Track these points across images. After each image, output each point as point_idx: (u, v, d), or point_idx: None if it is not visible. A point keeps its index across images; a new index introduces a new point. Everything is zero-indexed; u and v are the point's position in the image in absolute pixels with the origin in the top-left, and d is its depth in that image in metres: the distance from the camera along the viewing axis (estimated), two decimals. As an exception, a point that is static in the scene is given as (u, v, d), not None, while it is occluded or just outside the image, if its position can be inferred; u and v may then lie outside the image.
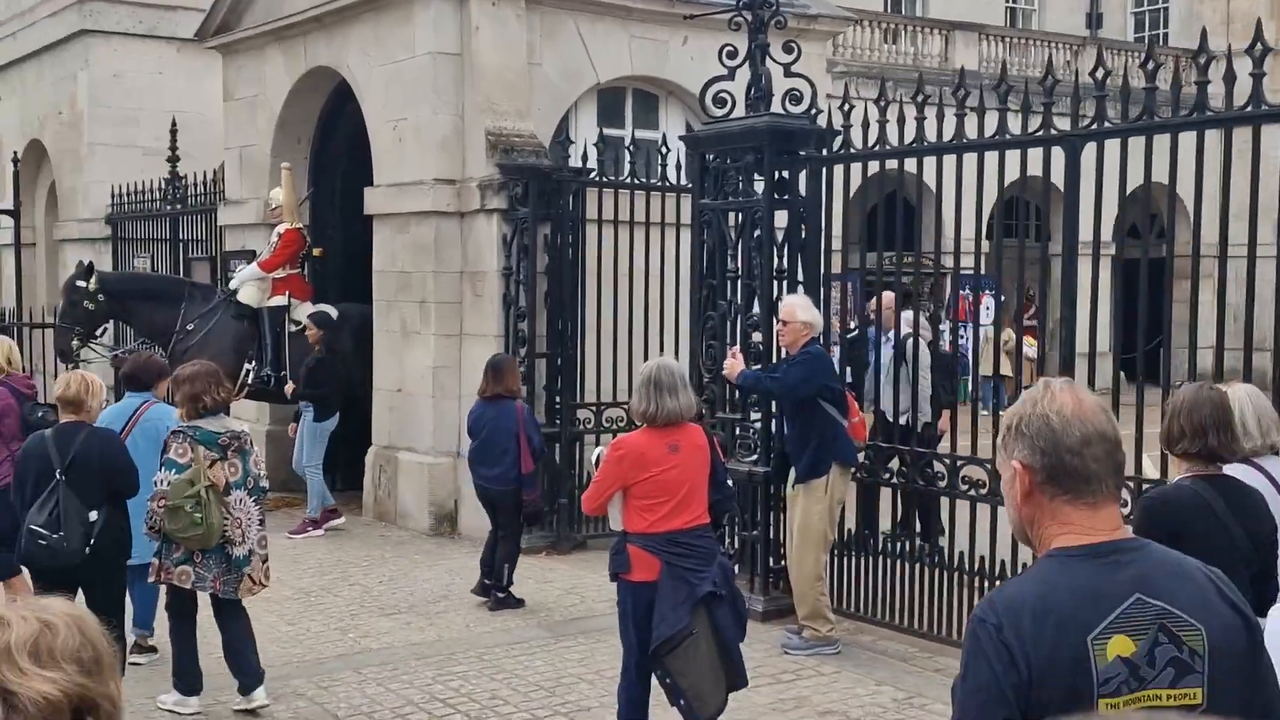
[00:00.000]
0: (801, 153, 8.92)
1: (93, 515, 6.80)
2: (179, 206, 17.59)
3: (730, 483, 6.93)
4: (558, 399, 11.29)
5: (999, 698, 2.33)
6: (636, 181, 11.30)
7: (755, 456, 8.91)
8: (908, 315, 9.86)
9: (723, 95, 9.22)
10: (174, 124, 18.02)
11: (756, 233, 8.92)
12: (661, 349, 11.56)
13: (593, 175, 11.22)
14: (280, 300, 13.09)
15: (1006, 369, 18.84)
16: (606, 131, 12.44)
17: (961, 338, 20.76)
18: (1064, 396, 2.48)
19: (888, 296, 9.97)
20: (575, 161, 11.36)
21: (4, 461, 8.29)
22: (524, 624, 8.95)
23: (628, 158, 11.32)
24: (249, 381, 12.85)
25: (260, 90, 14.27)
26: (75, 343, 12.68)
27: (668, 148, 11.25)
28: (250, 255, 14.38)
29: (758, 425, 8.99)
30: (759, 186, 8.99)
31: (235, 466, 7.18)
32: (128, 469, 7.05)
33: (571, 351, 11.23)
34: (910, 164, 9.33)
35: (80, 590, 6.84)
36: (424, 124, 11.82)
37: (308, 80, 13.68)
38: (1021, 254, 10.22)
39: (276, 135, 14.10)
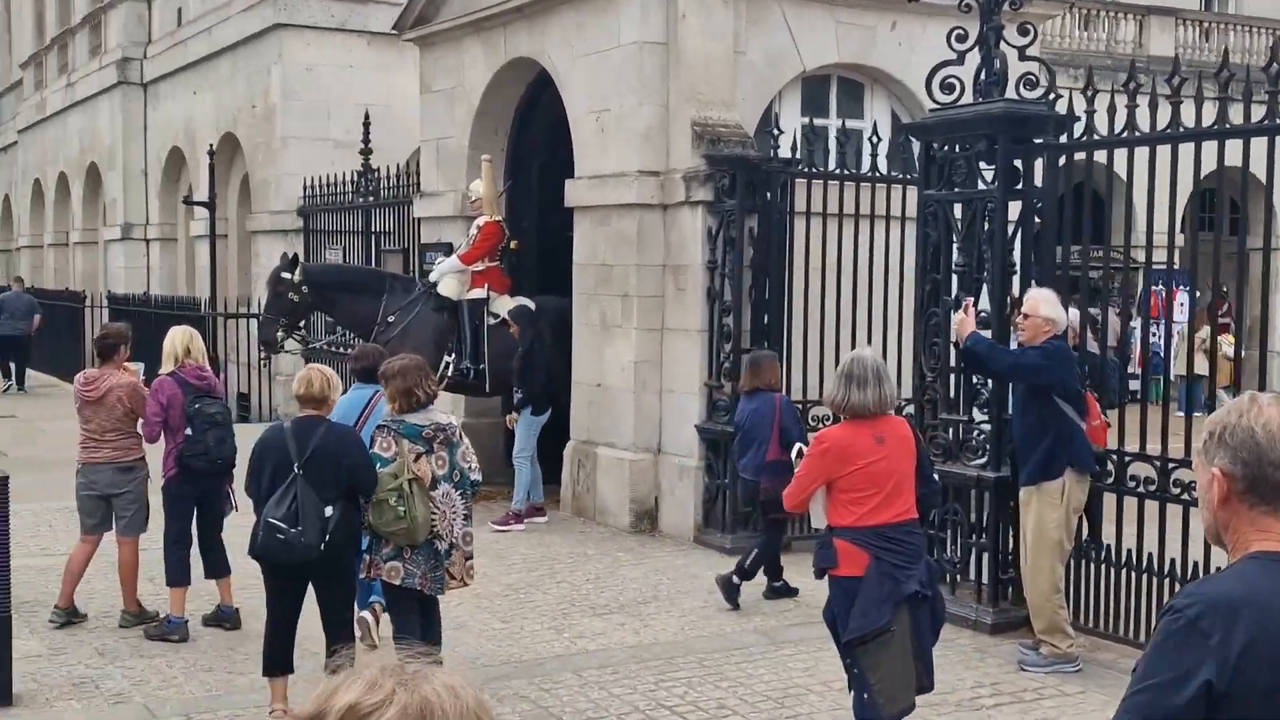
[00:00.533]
0: (1038, 140, 8.47)
1: (329, 510, 6.71)
2: (371, 199, 17.74)
3: (936, 477, 6.67)
4: (764, 395, 10.99)
5: (1186, 684, 2.27)
6: (846, 172, 10.95)
7: (984, 459, 8.50)
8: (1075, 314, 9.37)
9: (950, 81, 8.82)
10: (367, 116, 18.19)
11: (987, 225, 8.50)
12: (870, 344, 11.22)
13: (801, 166, 10.88)
14: (479, 293, 13.04)
15: (1202, 368, 17.99)
16: (820, 121, 12.12)
17: (1154, 336, 20.02)
18: (1271, 411, 2.46)
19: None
20: (783, 152, 11.08)
21: (169, 454, 8.34)
22: (741, 629, 8.69)
23: (835, 148, 10.96)
24: (448, 374, 12.82)
25: (458, 82, 14.25)
26: (280, 334, 12.80)
27: (878, 137, 10.88)
28: (447, 248, 14.39)
29: (986, 427, 8.58)
30: (989, 176, 8.57)
31: (442, 459, 7.08)
32: (365, 465, 6.91)
33: (777, 347, 10.92)
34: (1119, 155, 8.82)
35: (311, 585, 6.81)
36: (628, 114, 11.63)
37: (507, 71, 13.60)
38: (1217, 248, 9.65)
39: (475, 127, 14.07)
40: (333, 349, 14.76)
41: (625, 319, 11.71)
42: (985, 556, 8.52)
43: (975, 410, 8.67)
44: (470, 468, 7.30)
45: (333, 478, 6.73)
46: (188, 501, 8.50)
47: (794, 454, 6.80)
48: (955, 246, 8.73)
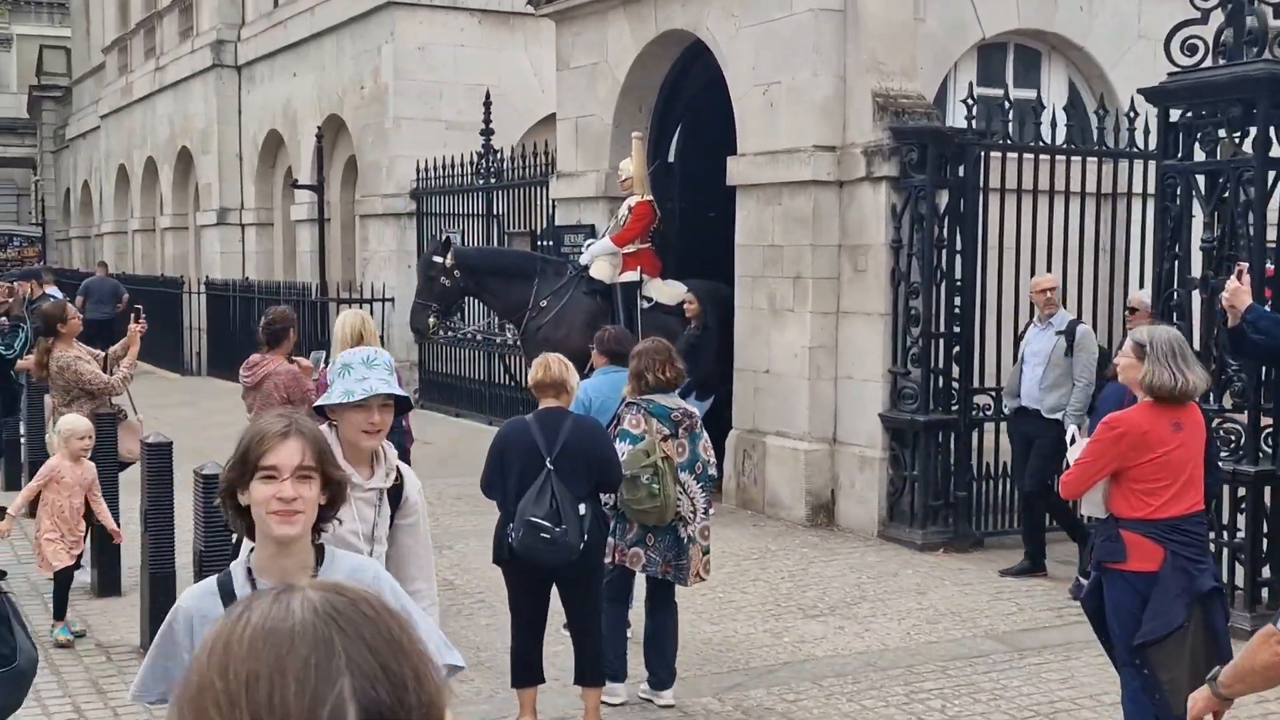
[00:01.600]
0: (1303, 105, 7.80)
1: (583, 508, 6.23)
2: (493, 180, 17.25)
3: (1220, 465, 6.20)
4: (955, 382, 10.39)
5: None
6: (1043, 144, 10.31)
7: (1242, 453, 7.86)
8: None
9: (1193, 42, 8.17)
10: (488, 96, 17.71)
11: (1243, 196, 7.85)
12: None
13: (996, 139, 10.24)
14: (632, 275, 12.49)
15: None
16: (982, 92, 11.48)
17: None
18: None
19: (1043, 279, 9.35)
20: (959, 123, 10.48)
21: None
22: (970, 634, 8.10)
23: (1033, 119, 10.31)
24: (602, 360, 12.30)
25: (601, 57, 13.70)
26: (432, 320, 12.30)
27: (1073, 107, 10.26)
28: (588, 230, 13.87)
29: (1238, 418, 7.94)
30: (1245, 146, 7.93)
31: (684, 447, 6.78)
32: (615, 461, 6.43)
33: (970, 331, 10.30)
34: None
35: (557, 587, 6.31)
36: (801, 86, 11.03)
37: (655, 45, 13.04)
38: None
39: (619, 104, 13.52)
40: (483, 337, 14.25)
41: (798, 302, 11.12)
42: (1241, 556, 7.89)
43: (1226, 398, 8.03)
44: (710, 461, 6.99)
45: (585, 473, 6.26)
46: None
47: (1068, 438, 6.26)
48: (1202, 221, 8.08)
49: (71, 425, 8.08)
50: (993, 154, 10.26)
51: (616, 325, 8.34)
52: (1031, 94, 11.78)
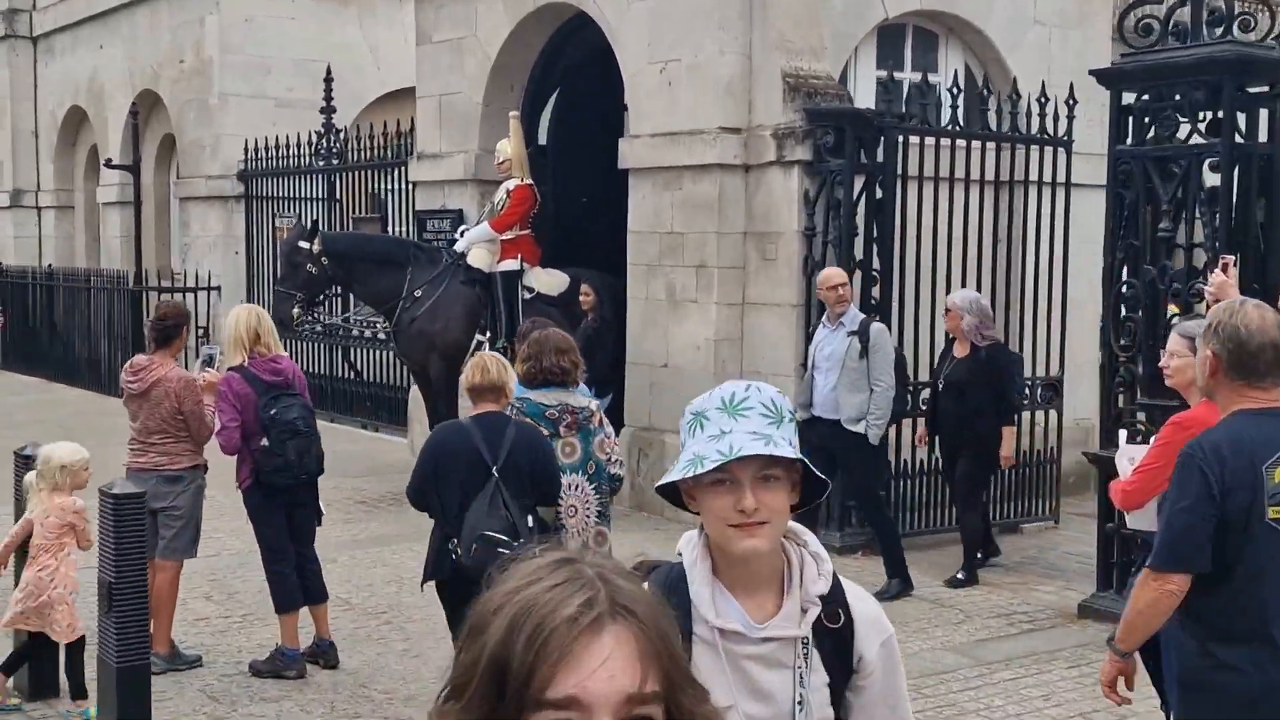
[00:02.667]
0: (1264, 89, 7.53)
1: (529, 521, 5.67)
2: (335, 162, 16.20)
3: None
4: (873, 377, 9.92)
5: (1208, 500, 3.58)
6: (964, 129, 9.92)
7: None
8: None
9: (1148, 22, 7.83)
10: (329, 72, 16.72)
11: (1207, 185, 7.54)
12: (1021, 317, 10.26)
13: (915, 122, 9.79)
14: (512, 264, 11.72)
15: None
16: (882, 74, 11.08)
17: None
18: (1252, 313, 3.71)
19: (833, 273, 8.90)
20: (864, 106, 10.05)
21: (243, 463, 6.97)
22: (929, 647, 7.62)
23: (947, 101, 9.91)
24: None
25: (469, 31, 12.84)
26: (296, 310, 11.27)
27: (989, 90, 9.90)
28: (455, 215, 13.03)
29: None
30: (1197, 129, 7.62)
31: (572, 446, 6.10)
32: (557, 473, 5.88)
33: (887, 324, 9.80)
34: None
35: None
36: (705, 64, 10.41)
37: (531, 20, 12.26)
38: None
39: (491, 81, 12.68)
40: (350, 327, 13.24)
41: (701, 292, 10.51)
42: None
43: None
44: (610, 459, 6.31)
45: (529, 483, 5.70)
46: (275, 510, 7.09)
47: (1122, 439, 5.79)
48: (1162, 211, 7.75)
49: (70, 454, 6.59)
50: (912, 139, 9.80)
51: (539, 319, 7.57)
52: (930, 77, 11.45)
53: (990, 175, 10.08)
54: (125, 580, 5.63)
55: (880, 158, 9.71)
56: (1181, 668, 3.85)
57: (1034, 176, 10.34)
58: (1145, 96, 7.79)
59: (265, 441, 6.90)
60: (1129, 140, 7.90)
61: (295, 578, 7.09)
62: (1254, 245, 7.52)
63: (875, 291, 9.78)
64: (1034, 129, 10.28)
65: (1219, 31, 7.50)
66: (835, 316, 8.72)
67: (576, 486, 6.20)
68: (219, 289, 18.34)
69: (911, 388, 9.78)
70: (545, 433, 6.09)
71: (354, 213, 15.78)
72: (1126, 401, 7.98)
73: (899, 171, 9.72)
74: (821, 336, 8.91)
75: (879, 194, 9.73)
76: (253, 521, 7.17)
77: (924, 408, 9.40)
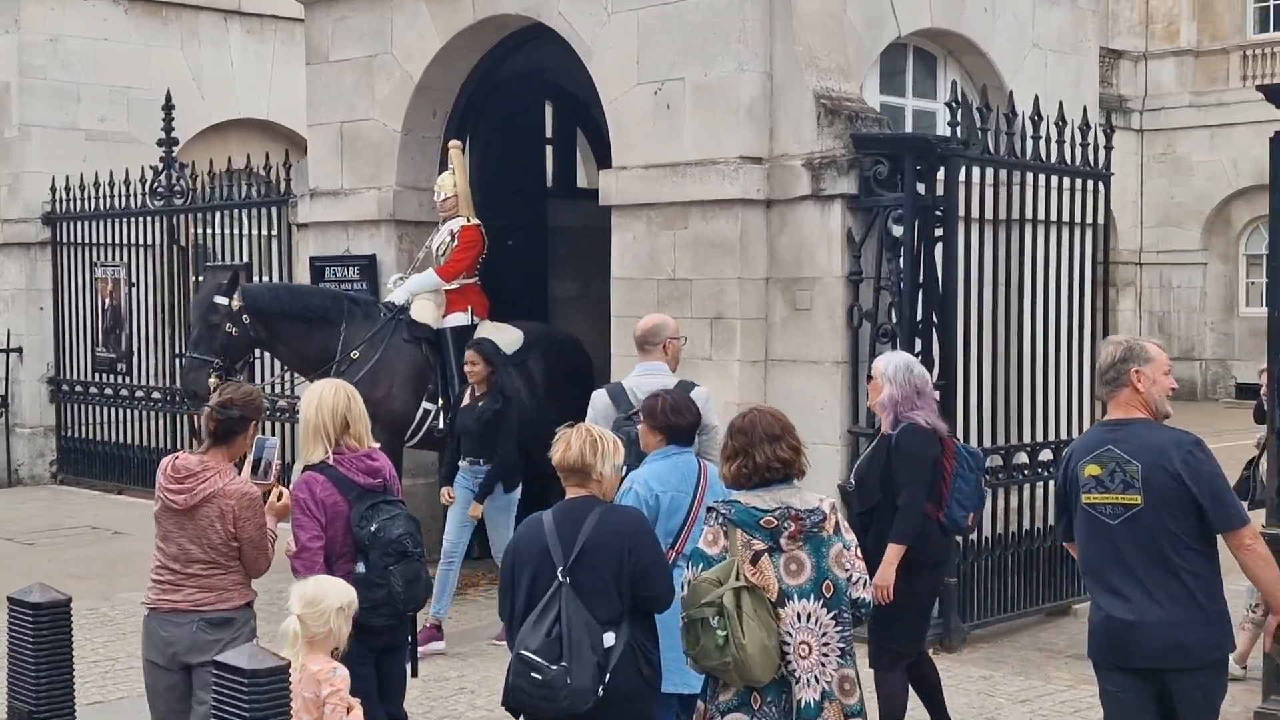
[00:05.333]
0: None
1: (609, 637, 4.52)
2: (177, 201, 14.03)
3: None
4: (935, 443, 8.63)
5: (1063, 493, 4.94)
6: (1024, 160, 8.79)
7: None
8: None
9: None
10: (169, 98, 14.56)
11: None
12: (1059, 376, 9.16)
13: (976, 151, 8.58)
14: (462, 318, 9.99)
15: None
16: (885, 100, 9.93)
17: None
18: (1108, 348, 4.88)
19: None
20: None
21: None
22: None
23: (1015, 129, 8.74)
24: (436, 425, 9.71)
25: (382, 48, 11.04)
26: (214, 380, 9.20)
27: (1064, 120, 8.88)
28: (367, 261, 11.18)
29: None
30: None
31: (798, 563, 4.71)
32: (657, 564, 4.67)
33: (953, 382, 8.56)
34: None
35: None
36: (718, 83, 8.98)
37: (468, 35, 10.58)
38: None
39: (413, 106, 10.92)
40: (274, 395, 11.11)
41: (721, 349, 9.03)
42: None
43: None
44: (852, 579, 4.86)
45: (613, 586, 4.61)
46: (364, 658, 5.27)
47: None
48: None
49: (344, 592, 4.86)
50: (974, 170, 8.60)
51: (674, 390, 5.98)
52: (930, 103, 10.37)
53: (1050, 212, 8.95)
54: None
55: (940, 191, 8.46)
56: None
57: (1077, 213, 9.30)
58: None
59: (361, 567, 5.12)
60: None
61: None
62: None
63: (935, 346, 8.50)
64: (1077, 160, 9.25)
65: None
66: None
67: (809, 616, 4.75)
68: (19, 351, 15.82)
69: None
70: (762, 546, 4.63)
71: (209, 260, 13.61)
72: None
73: (965, 206, 8.49)
74: None
75: (938, 233, 8.48)
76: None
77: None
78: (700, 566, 4.70)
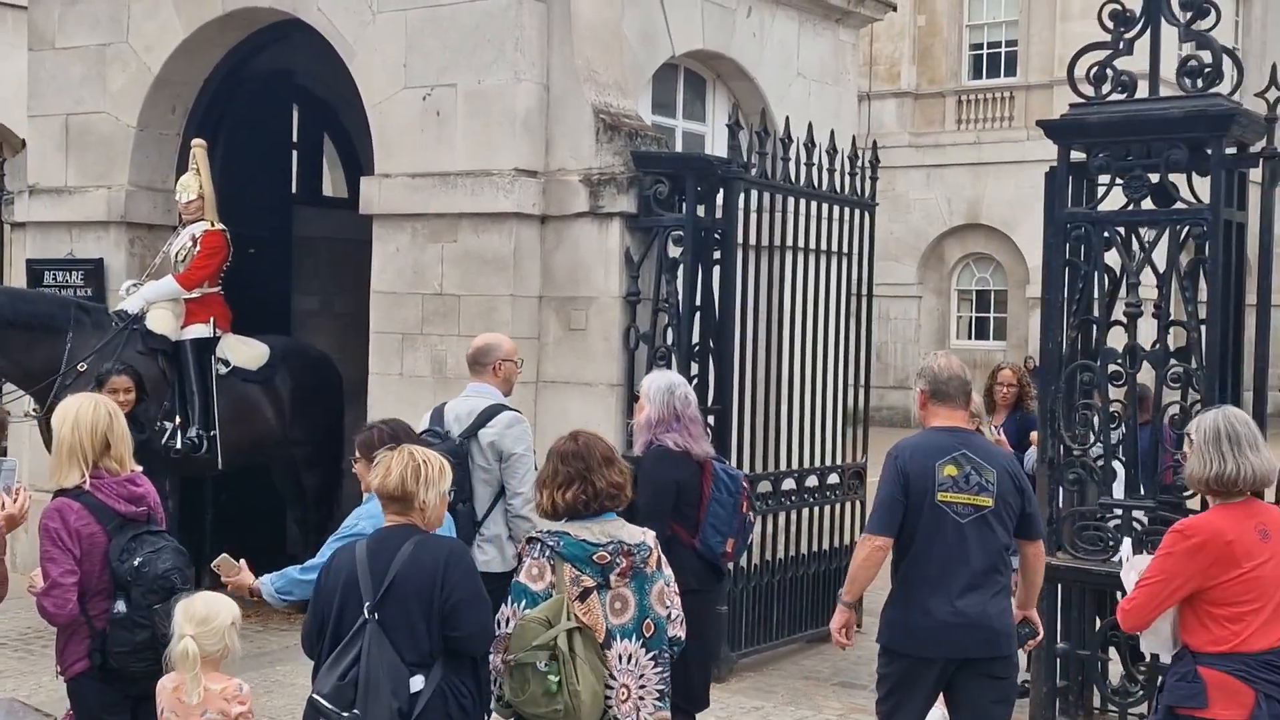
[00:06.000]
0: (1256, 148, 6.83)
1: (416, 681, 4.14)
2: None
3: None
4: (710, 469, 8.43)
5: (900, 489, 4.97)
6: (800, 185, 8.71)
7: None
8: None
9: (1106, 72, 6.96)
10: None
11: (1193, 255, 6.74)
12: (831, 401, 9.10)
13: (754, 174, 8.45)
14: (203, 330, 9.26)
15: None
16: (655, 120, 9.76)
17: None
18: (943, 359, 5.23)
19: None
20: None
21: (76, 637, 4.70)
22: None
23: (782, 153, 8.66)
24: (173, 445, 8.94)
25: (117, 37, 10.20)
26: (-83, 393, 8.24)
27: (835, 148, 8.84)
28: (93, 265, 10.29)
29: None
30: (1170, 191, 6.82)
31: (623, 601, 4.53)
32: (473, 600, 4.25)
33: (727, 407, 8.38)
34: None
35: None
36: (492, 92, 8.59)
37: (214, 28, 9.87)
38: None
39: (149, 100, 10.11)
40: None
41: (487, 369, 8.60)
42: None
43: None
44: (670, 616, 4.70)
45: (424, 626, 4.20)
46: (118, 711, 4.66)
47: (1121, 555, 5.44)
48: (1131, 281, 6.87)
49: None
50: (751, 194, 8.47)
51: (392, 420, 5.45)
52: (699, 126, 10.25)
53: (820, 240, 8.89)
54: None
55: (719, 214, 8.30)
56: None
57: (846, 242, 9.30)
58: (1101, 154, 6.89)
59: (121, 605, 4.50)
60: (1077, 201, 6.99)
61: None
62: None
63: (709, 368, 8.33)
64: (846, 189, 9.25)
65: (1200, 85, 6.73)
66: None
67: (629, 657, 4.50)
68: None
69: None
70: (591, 583, 4.33)
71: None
72: (1077, 502, 7.02)
73: (743, 229, 8.35)
74: None
75: (715, 255, 8.31)
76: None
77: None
78: (524, 603, 4.32)
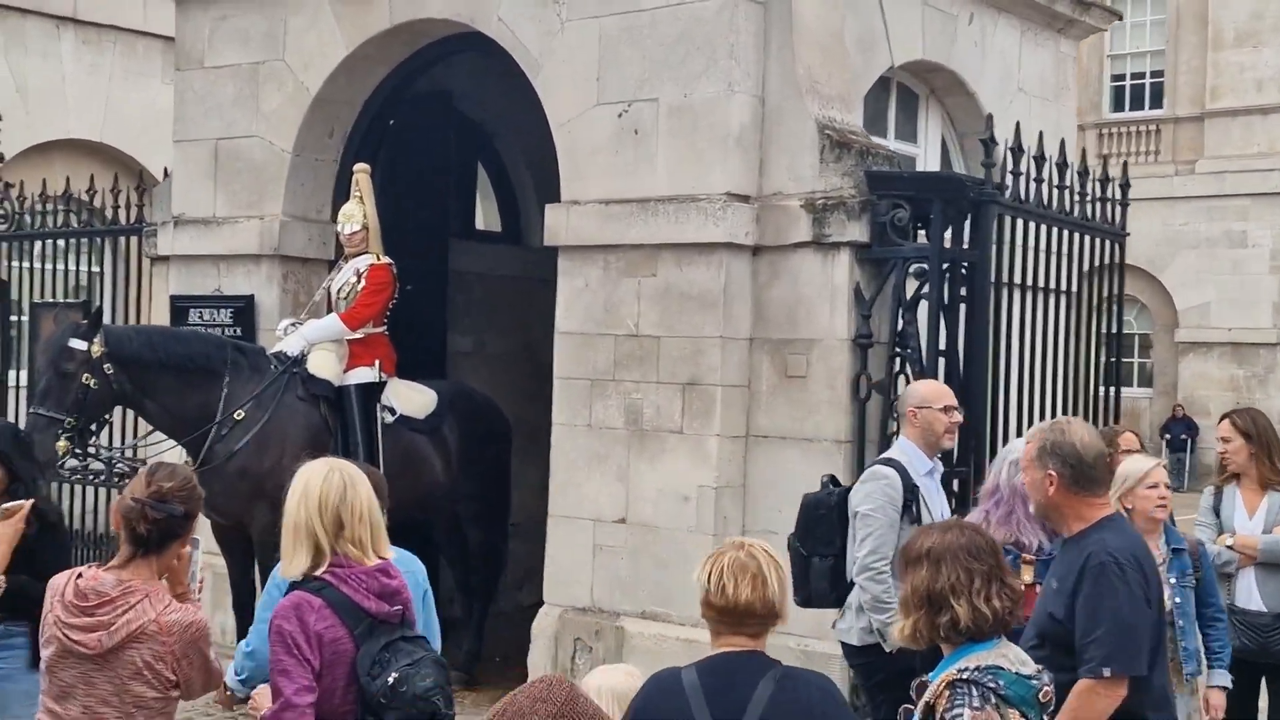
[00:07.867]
0: None
1: None
2: (2, 227, 11.95)
3: None
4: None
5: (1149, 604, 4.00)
6: (1058, 213, 7.59)
7: None
8: None
9: None
10: (-7, 106, 12.41)
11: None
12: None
13: (1015, 201, 7.33)
14: (368, 373, 8.33)
15: None
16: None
17: None
18: (1079, 430, 4.09)
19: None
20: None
21: None
22: None
23: (1045, 175, 7.53)
24: (336, 503, 7.96)
25: (273, 54, 9.35)
26: (63, 443, 7.31)
27: (1086, 169, 7.72)
28: (242, 304, 9.41)
29: None
30: None
31: None
32: None
33: (981, 464, 7.22)
34: None
35: None
36: (701, 106, 7.56)
37: (380, 42, 8.98)
38: None
39: (307, 123, 9.24)
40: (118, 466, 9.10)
41: (693, 419, 7.53)
42: None
43: None
44: None
45: None
46: None
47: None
48: None
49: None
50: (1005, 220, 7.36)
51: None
52: (911, 147, 9.18)
53: (1075, 275, 7.78)
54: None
55: (967, 244, 7.18)
56: None
57: (1098, 277, 8.17)
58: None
59: (368, 731, 3.49)
60: None
61: None
62: None
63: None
64: (1097, 215, 8.12)
65: None
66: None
67: None
68: None
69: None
70: None
71: (36, 297, 11.54)
72: None
73: (996, 261, 7.23)
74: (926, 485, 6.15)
75: (963, 291, 7.19)
76: None
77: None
78: None
